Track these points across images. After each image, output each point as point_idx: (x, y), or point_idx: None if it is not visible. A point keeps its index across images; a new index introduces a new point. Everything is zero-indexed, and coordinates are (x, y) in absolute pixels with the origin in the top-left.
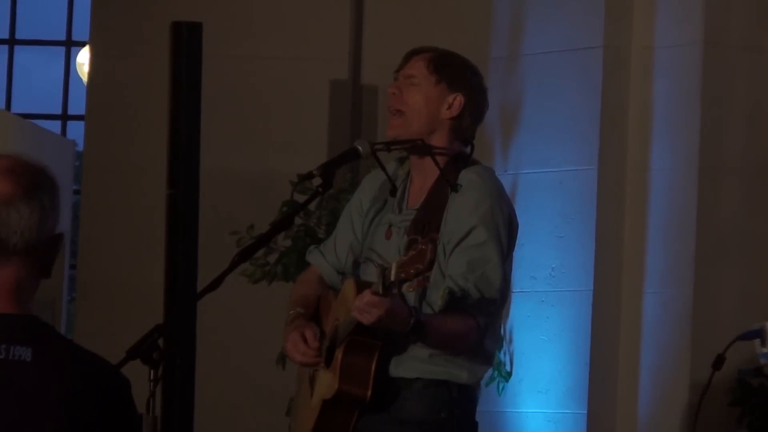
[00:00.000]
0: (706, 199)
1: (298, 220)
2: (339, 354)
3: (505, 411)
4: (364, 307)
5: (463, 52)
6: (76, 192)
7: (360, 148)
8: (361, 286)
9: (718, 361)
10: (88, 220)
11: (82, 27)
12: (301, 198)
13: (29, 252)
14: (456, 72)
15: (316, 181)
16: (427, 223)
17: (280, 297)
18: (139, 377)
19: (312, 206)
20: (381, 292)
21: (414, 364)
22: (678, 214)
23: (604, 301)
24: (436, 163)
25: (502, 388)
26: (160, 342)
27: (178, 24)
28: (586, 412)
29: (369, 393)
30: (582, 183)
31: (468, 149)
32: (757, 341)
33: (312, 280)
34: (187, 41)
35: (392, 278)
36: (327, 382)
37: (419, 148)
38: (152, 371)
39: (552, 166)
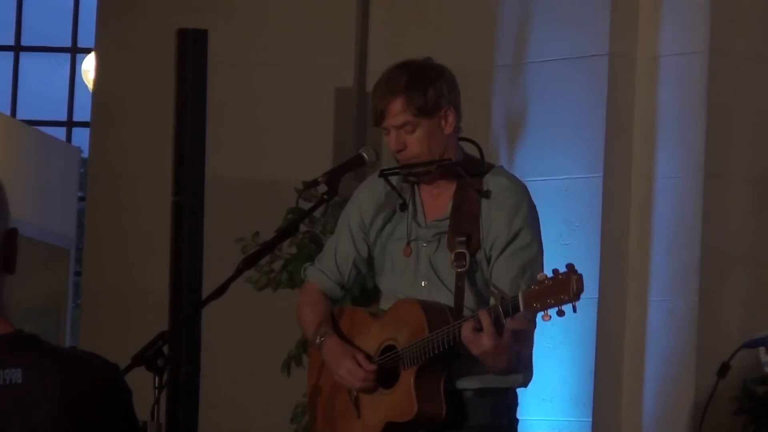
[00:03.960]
0: (711, 207)
1: (303, 227)
2: (410, 377)
3: None
4: (472, 337)
5: (468, 59)
6: (81, 199)
7: (365, 155)
8: (430, 308)
9: (723, 369)
10: (92, 226)
11: (87, 34)
12: (306, 205)
13: None
14: (432, 93)
15: (322, 188)
16: (467, 233)
17: (284, 304)
18: (144, 384)
19: (317, 213)
20: (504, 320)
21: (478, 374)
22: (683, 222)
23: (609, 309)
24: (463, 176)
25: None
26: (165, 349)
27: (183, 31)
28: (590, 419)
29: (444, 411)
30: (587, 191)
31: (477, 152)
32: (762, 349)
33: (319, 299)
34: (192, 48)
35: (521, 308)
36: (390, 404)
37: (446, 167)
38: (157, 378)
39: (557, 174)
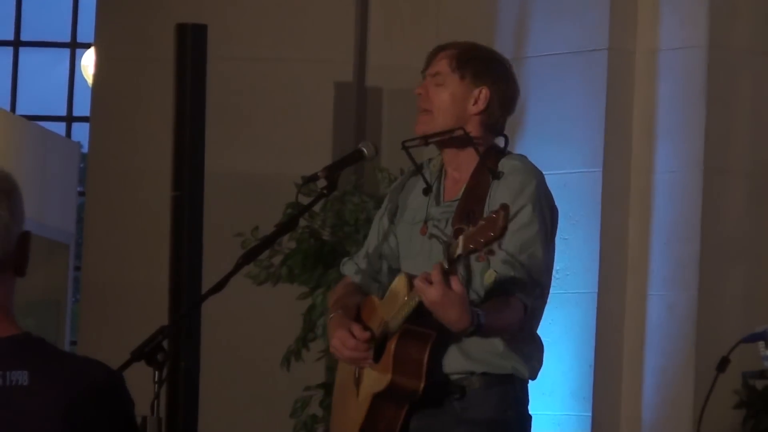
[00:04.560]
0: (710, 201)
1: (302, 222)
2: (391, 345)
3: None
4: (422, 286)
5: None
6: (81, 194)
7: (365, 149)
8: (414, 278)
9: (722, 364)
10: (92, 221)
11: (87, 29)
12: (305, 200)
13: (0, 268)
14: (480, 66)
15: (321, 182)
16: (471, 211)
17: (284, 299)
18: (144, 379)
19: (316, 208)
20: (447, 267)
21: (482, 356)
22: (682, 217)
23: (609, 304)
24: (477, 151)
25: None
26: (165, 344)
27: (182, 26)
28: (590, 414)
29: (422, 385)
30: (587, 185)
31: (503, 142)
32: (761, 344)
33: (346, 289)
34: (191, 43)
35: (459, 251)
36: (377, 377)
37: (459, 138)
38: (156, 373)
39: (557, 169)
